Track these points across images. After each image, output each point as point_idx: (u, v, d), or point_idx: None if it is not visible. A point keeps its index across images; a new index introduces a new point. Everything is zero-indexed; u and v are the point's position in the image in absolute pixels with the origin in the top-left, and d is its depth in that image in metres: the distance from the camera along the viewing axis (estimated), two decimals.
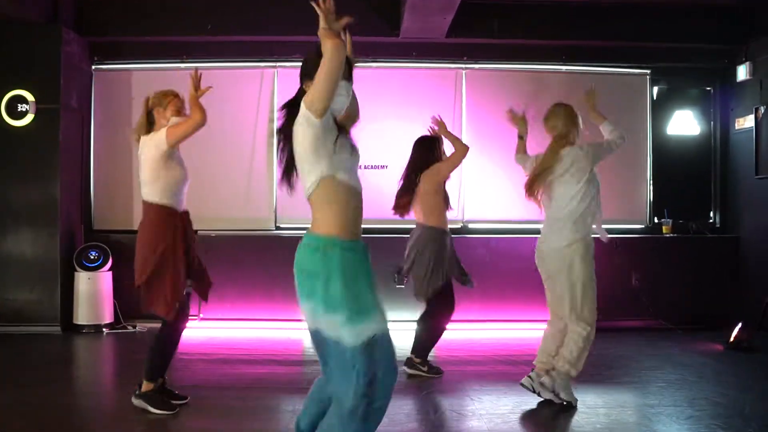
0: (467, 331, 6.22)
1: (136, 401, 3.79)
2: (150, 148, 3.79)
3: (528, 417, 3.82)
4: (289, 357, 5.40)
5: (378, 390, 2.35)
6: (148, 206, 3.82)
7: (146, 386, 3.78)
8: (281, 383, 4.56)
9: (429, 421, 3.78)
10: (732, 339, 5.66)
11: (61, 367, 5.14)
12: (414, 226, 4.89)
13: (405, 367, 4.65)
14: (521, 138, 4.43)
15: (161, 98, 3.90)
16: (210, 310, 6.58)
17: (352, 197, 2.47)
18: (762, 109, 6.27)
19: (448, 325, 4.82)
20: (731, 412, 3.87)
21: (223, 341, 5.95)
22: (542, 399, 3.97)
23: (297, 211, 5.67)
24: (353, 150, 2.53)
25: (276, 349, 5.63)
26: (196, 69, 3.93)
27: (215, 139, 6.44)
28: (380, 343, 2.37)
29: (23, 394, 4.16)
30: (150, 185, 3.79)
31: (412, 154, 4.86)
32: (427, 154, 4.80)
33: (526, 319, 6.39)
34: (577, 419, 3.75)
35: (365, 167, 6.50)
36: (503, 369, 5.00)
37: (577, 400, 3.92)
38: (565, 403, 3.90)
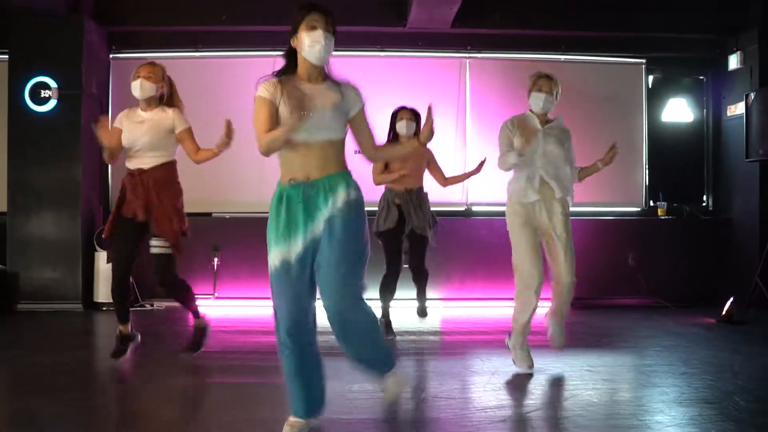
0: (474, 308, 6.55)
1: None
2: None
3: (534, 373, 4.10)
4: None
5: (277, 333, 2.77)
6: None
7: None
8: None
9: (451, 375, 4.07)
10: (724, 313, 5.95)
11: (85, 339, 5.44)
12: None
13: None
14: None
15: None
16: (224, 289, 6.89)
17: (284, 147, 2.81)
18: (752, 96, 6.58)
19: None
20: (722, 369, 4.17)
21: (238, 317, 6.23)
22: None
23: None
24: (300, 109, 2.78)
25: None
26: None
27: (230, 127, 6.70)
28: (272, 280, 2.75)
29: (56, 359, 4.43)
30: None
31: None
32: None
33: None
34: (581, 374, 4.04)
35: None
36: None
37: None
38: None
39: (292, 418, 2.81)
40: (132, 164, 4.17)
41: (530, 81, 4.18)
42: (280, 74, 2.89)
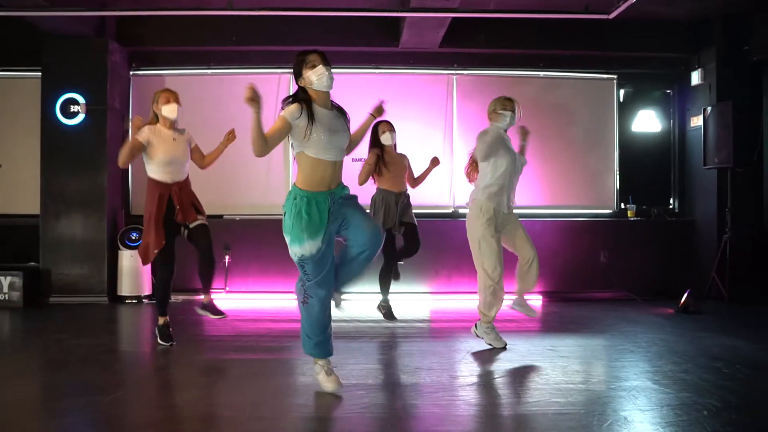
0: (459, 301, 7.29)
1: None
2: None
3: (508, 350, 4.82)
4: None
5: (310, 289, 3.54)
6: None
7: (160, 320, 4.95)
8: None
9: (433, 353, 4.79)
10: (681, 304, 6.68)
11: (114, 327, 6.17)
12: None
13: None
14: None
15: (155, 95, 4.93)
16: (235, 284, 7.61)
17: (313, 164, 3.54)
18: (708, 110, 7.31)
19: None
20: (664, 349, 4.90)
21: (248, 308, 6.95)
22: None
23: None
24: (330, 133, 3.53)
25: (295, 313, 6.62)
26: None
27: (238, 136, 7.41)
28: (308, 262, 3.50)
29: (96, 341, 5.17)
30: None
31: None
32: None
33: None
34: (542, 352, 4.76)
35: None
36: None
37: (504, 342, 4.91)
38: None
39: (320, 361, 3.64)
40: (168, 177, 4.81)
41: (497, 103, 4.91)
42: (303, 100, 3.55)
